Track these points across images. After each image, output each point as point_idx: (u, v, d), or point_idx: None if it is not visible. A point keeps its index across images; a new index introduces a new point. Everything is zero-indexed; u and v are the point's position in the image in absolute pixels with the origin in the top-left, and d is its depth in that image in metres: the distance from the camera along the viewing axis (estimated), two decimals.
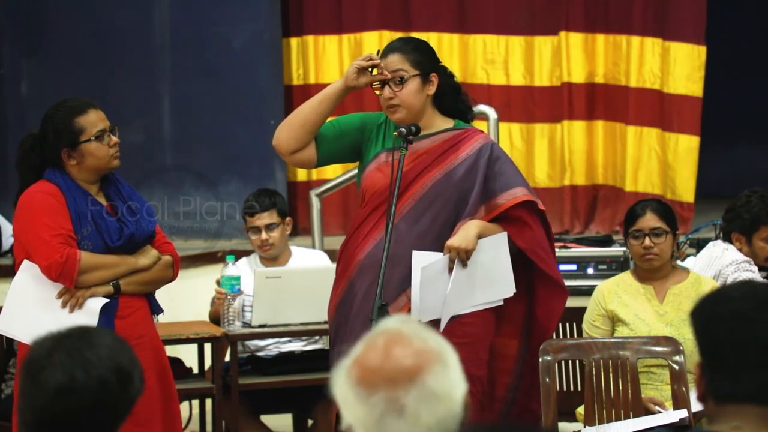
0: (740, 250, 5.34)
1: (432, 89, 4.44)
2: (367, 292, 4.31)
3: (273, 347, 5.98)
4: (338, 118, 4.58)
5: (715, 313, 2.34)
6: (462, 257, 4.29)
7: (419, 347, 2.13)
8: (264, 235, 5.95)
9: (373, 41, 8.40)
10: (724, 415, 2.31)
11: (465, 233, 4.31)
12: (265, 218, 5.96)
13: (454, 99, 4.52)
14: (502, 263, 4.37)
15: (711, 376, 2.33)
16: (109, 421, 2.39)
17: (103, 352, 2.37)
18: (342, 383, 2.14)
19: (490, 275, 4.35)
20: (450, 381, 2.12)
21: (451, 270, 4.30)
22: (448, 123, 4.49)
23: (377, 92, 4.42)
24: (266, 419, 6.08)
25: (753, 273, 5.25)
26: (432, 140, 4.44)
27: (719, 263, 5.29)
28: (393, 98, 4.39)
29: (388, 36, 8.16)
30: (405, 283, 4.34)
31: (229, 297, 5.71)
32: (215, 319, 5.86)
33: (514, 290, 4.39)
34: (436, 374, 2.11)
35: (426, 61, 4.46)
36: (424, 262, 4.30)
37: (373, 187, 4.41)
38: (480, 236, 4.32)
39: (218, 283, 5.83)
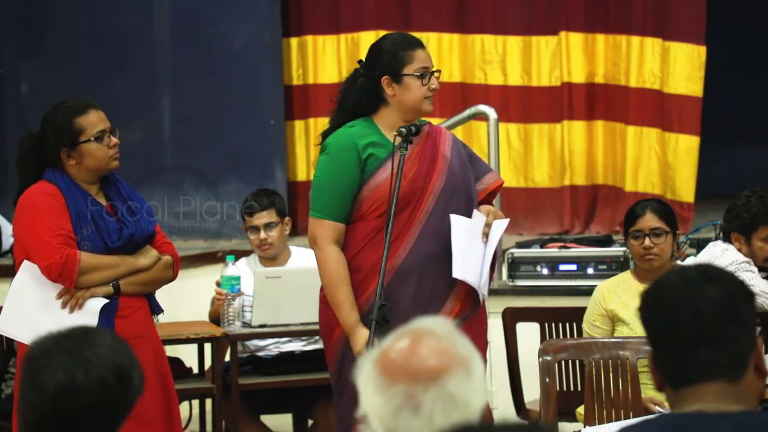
0: (740, 250, 5.33)
1: None
2: (416, 295, 4.30)
3: (273, 347, 5.98)
4: (331, 174, 4.38)
5: (652, 302, 2.37)
6: (491, 219, 4.37)
7: (447, 349, 2.15)
8: (263, 234, 5.94)
9: (371, 41, 8.36)
10: (683, 400, 2.32)
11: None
12: (264, 217, 5.96)
13: None
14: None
15: (660, 364, 2.35)
16: (109, 422, 2.39)
17: (103, 352, 2.37)
18: (367, 371, 2.16)
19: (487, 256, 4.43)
20: (471, 389, 2.13)
21: (485, 235, 4.36)
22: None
23: (423, 82, 4.36)
24: (266, 419, 6.08)
25: (753, 273, 5.24)
26: (417, 138, 4.44)
27: (719, 263, 5.27)
28: (437, 89, 4.42)
29: None
30: (453, 281, 4.36)
31: (229, 297, 5.71)
32: (215, 319, 5.86)
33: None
34: (458, 379, 2.12)
35: None
36: (463, 224, 4.36)
37: (392, 195, 4.30)
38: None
39: (218, 284, 5.83)
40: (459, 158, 4.47)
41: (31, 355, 2.40)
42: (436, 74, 4.41)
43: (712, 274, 2.36)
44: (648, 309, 2.38)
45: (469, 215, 4.40)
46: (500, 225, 4.40)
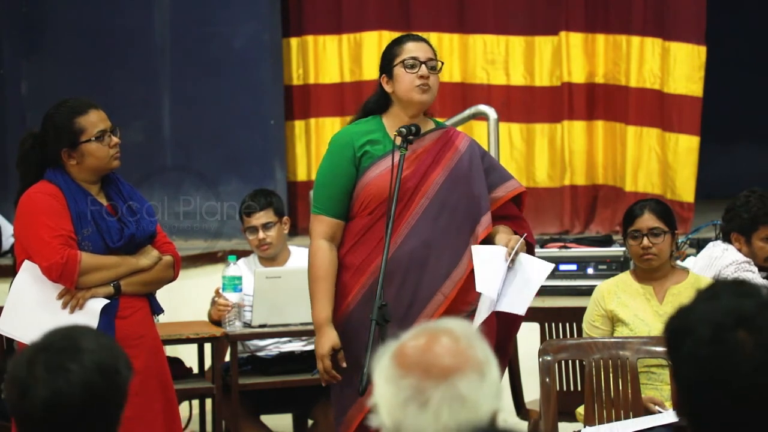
0: (740, 250, 5.34)
1: None
2: (397, 296, 4.29)
3: (273, 347, 5.98)
4: (328, 171, 4.44)
5: (680, 350, 2.10)
6: (512, 244, 4.31)
7: (463, 350, 2.16)
8: (261, 234, 5.94)
9: (373, 41, 8.40)
10: None
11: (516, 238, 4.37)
12: (262, 217, 5.96)
13: None
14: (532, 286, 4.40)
15: (694, 419, 2.11)
16: (107, 413, 2.38)
17: (84, 357, 2.35)
18: (383, 361, 2.18)
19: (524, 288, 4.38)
20: (482, 393, 2.13)
21: (512, 260, 4.31)
22: (430, 122, 4.52)
23: (411, 71, 4.36)
24: (266, 419, 6.08)
25: (753, 273, 5.25)
26: (425, 139, 4.44)
27: (719, 264, 5.29)
28: (429, 78, 4.39)
29: (388, 36, 8.14)
30: (438, 282, 4.34)
31: (232, 305, 5.70)
32: (215, 320, 5.85)
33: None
34: (469, 380, 2.13)
35: None
36: (483, 254, 4.32)
37: (381, 195, 4.32)
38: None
39: (217, 293, 5.80)
40: (470, 166, 4.43)
41: (13, 373, 2.38)
42: (437, 64, 4.41)
43: (744, 313, 2.07)
44: (676, 356, 2.11)
45: (467, 227, 4.38)
46: (544, 269, 4.38)
